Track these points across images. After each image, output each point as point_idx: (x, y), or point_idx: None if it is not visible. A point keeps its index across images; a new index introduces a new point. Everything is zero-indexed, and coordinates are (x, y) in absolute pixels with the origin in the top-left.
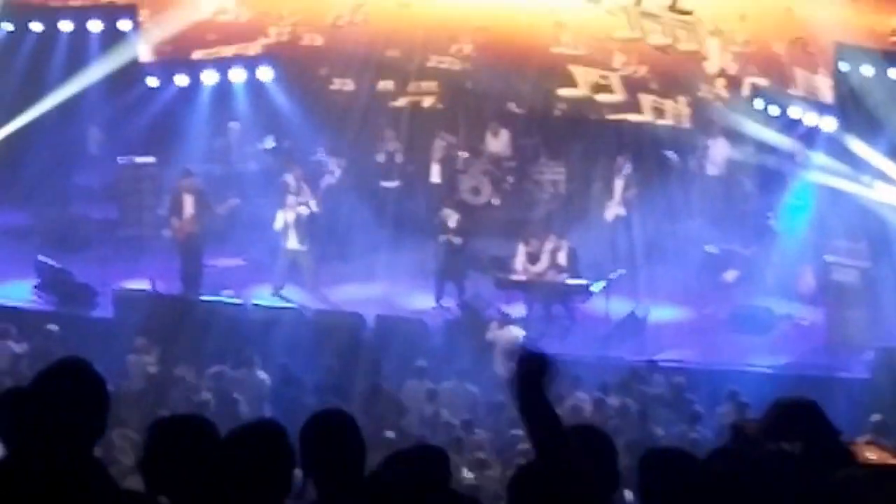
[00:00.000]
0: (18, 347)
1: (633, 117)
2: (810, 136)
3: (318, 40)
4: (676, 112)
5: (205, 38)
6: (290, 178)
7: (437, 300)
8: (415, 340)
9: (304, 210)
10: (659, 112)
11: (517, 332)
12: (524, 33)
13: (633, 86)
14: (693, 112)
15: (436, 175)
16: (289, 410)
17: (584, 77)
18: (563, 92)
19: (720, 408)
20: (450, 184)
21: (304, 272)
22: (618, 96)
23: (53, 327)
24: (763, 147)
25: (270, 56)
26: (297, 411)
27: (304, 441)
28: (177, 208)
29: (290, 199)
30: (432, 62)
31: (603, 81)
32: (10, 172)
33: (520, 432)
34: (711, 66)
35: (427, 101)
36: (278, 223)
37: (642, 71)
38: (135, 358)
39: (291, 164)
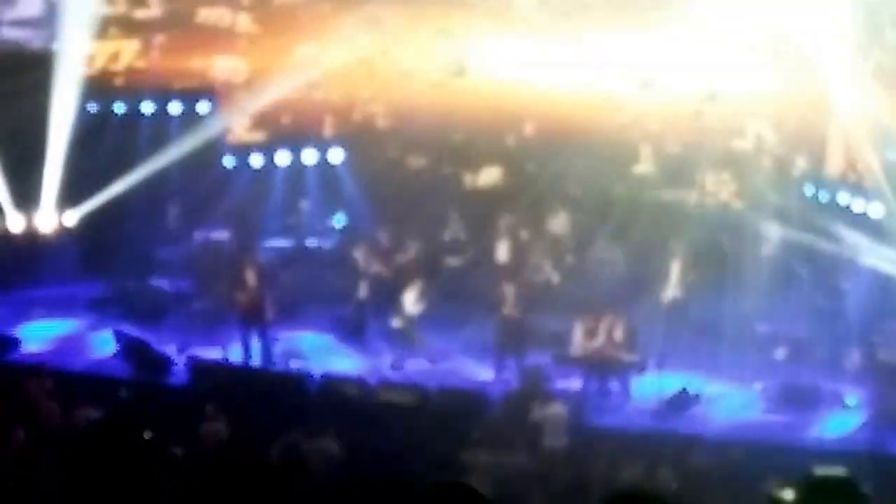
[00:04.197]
0: (96, 414)
1: (687, 198)
2: (858, 221)
3: (386, 122)
4: (729, 195)
5: (279, 120)
6: (358, 255)
7: (497, 374)
8: (474, 412)
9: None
10: (713, 195)
11: (560, 409)
12: (583, 116)
13: (687, 168)
14: (745, 195)
15: (499, 253)
16: (356, 480)
17: (642, 158)
18: (623, 171)
19: (766, 482)
20: (512, 262)
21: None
22: (672, 177)
23: (131, 394)
24: (813, 230)
25: (341, 137)
26: (364, 481)
27: None
28: (239, 282)
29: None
30: (495, 144)
31: (659, 162)
32: (94, 246)
33: None
34: (763, 151)
35: (490, 182)
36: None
37: (696, 153)
38: (206, 425)
39: (358, 240)
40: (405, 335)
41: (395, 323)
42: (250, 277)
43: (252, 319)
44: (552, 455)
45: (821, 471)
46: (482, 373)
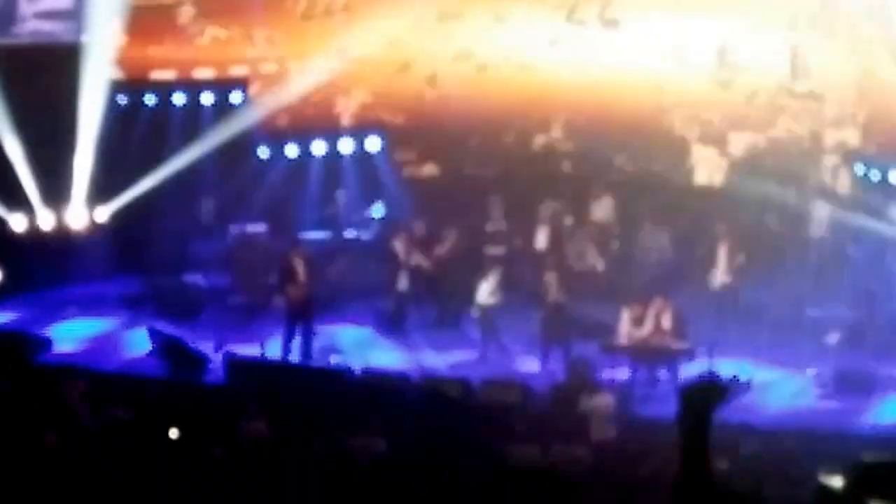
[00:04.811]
0: (127, 413)
1: (736, 183)
2: None
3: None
4: (779, 177)
5: (312, 109)
6: (398, 246)
7: (543, 365)
8: (520, 404)
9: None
10: (763, 178)
11: (608, 400)
12: (622, 103)
13: (737, 155)
14: (795, 177)
15: (541, 241)
16: (402, 477)
17: (692, 151)
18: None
19: (820, 468)
20: (555, 250)
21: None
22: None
23: (167, 393)
24: (865, 211)
25: (377, 126)
26: (410, 477)
27: None
28: (289, 275)
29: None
30: (535, 127)
31: (705, 153)
32: (127, 242)
33: None
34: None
35: (533, 169)
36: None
37: (742, 136)
38: (247, 424)
39: (398, 230)
40: (482, 325)
41: (473, 313)
42: (300, 270)
43: (300, 314)
44: (601, 447)
45: (870, 457)
46: (527, 364)
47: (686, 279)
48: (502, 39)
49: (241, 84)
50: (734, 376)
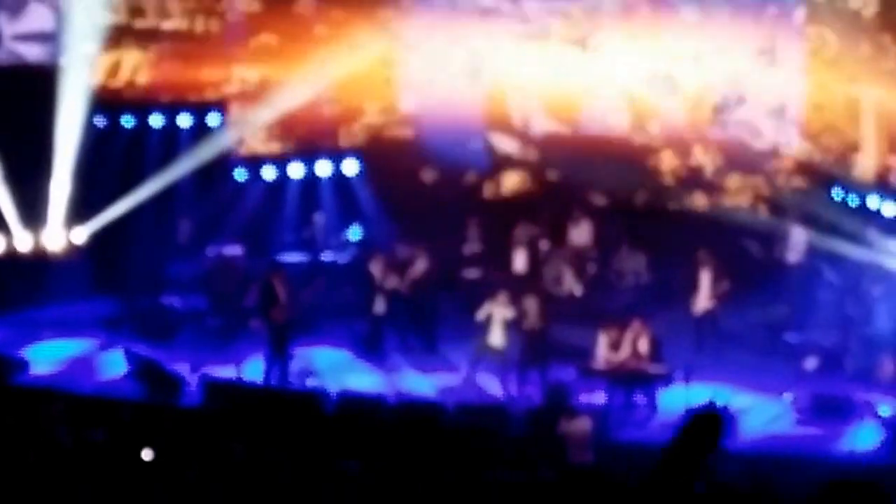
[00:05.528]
0: (103, 435)
1: (712, 206)
2: (888, 225)
3: (402, 131)
4: (755, 201)
5: (292, 131)
6: (374, 269)
7: (520, 388)
8: (496, 428)
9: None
10: (737, 201)
11: (585, 424)
12: (600, 122)
13: (712, 175)
14: (772, 201)
15: (518, 265)
16: (375, 500)
17: (666, 168)
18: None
19: (798, 494)
20: (532, 273)
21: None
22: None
23: (143, 416)
24: (842, 235)
25: (356, 148)
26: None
27: None
28: (271, 297)
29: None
30: (514, 152)
31: (682, 171)
32: (103, 263)
33: None
34: (788, 156)
35: (509, 192)
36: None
37: (719, 159)
38: (223, 446)
39: (374, 254)
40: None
41: (493, 341)
42: (281, 293)
43: (279, 336)
44: (577, 471)
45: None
46: (504, 388)
47: (663, 303)
48: (472, 63)
49: (219, 106)
50: (710, 401)
